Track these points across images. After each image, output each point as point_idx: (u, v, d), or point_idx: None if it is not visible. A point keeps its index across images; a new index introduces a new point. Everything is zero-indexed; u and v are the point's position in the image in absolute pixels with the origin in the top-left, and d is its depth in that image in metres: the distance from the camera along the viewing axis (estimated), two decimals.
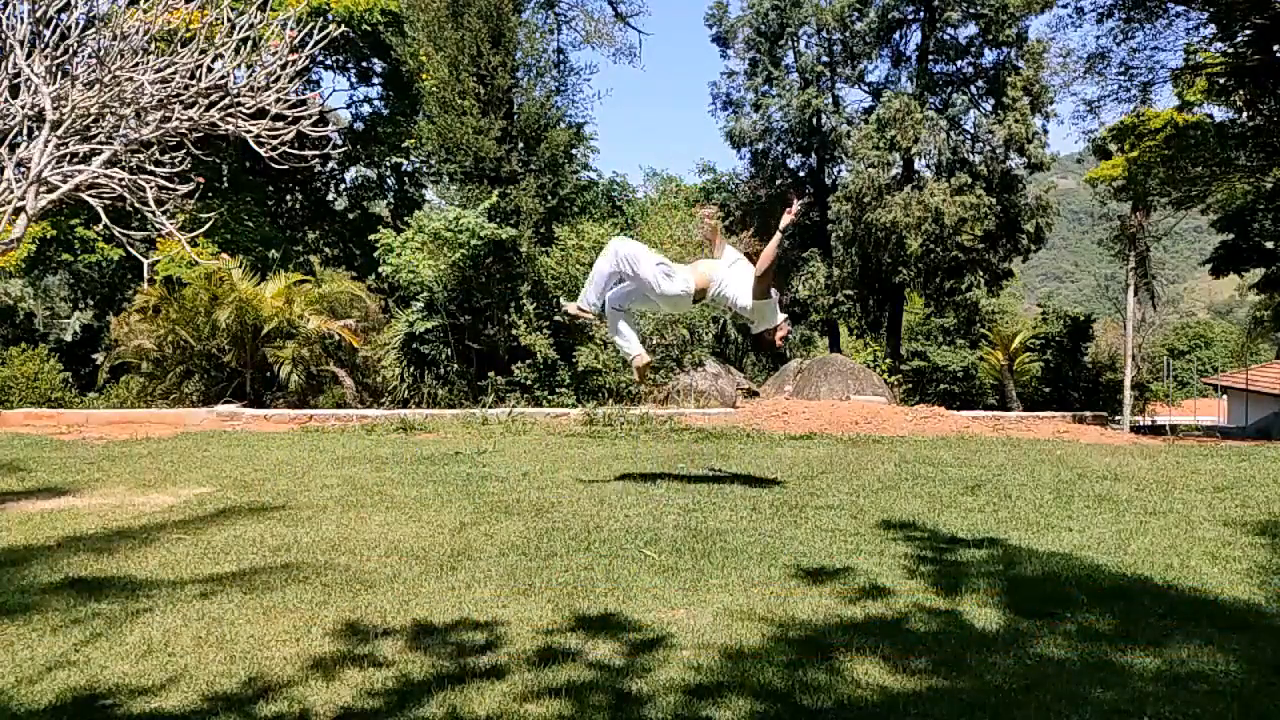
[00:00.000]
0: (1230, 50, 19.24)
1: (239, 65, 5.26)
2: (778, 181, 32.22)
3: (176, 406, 15.19)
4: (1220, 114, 24.22)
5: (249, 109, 5.12)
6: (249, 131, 5.08)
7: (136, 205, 4.94)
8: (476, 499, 6.27)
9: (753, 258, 6.07)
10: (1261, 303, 30.04)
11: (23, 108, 4.80)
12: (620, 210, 24.56)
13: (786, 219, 5.85)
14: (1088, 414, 16.41)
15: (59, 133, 4.71)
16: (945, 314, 31.63)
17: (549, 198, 17.42)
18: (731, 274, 6.05)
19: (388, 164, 27.31)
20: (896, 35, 30.01)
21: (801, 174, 32.76)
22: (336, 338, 16.71)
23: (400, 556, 4.62)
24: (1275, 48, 17.91)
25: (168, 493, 6.66)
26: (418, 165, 26.23)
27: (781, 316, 6.14)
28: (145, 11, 5.13)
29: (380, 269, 16.86)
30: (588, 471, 7.57)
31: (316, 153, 5.84)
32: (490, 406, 13.65)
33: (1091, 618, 3.59)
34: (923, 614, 3.66)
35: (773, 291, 6.08)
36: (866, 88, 31.31)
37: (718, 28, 32.26)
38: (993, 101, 28.42)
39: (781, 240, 5.87)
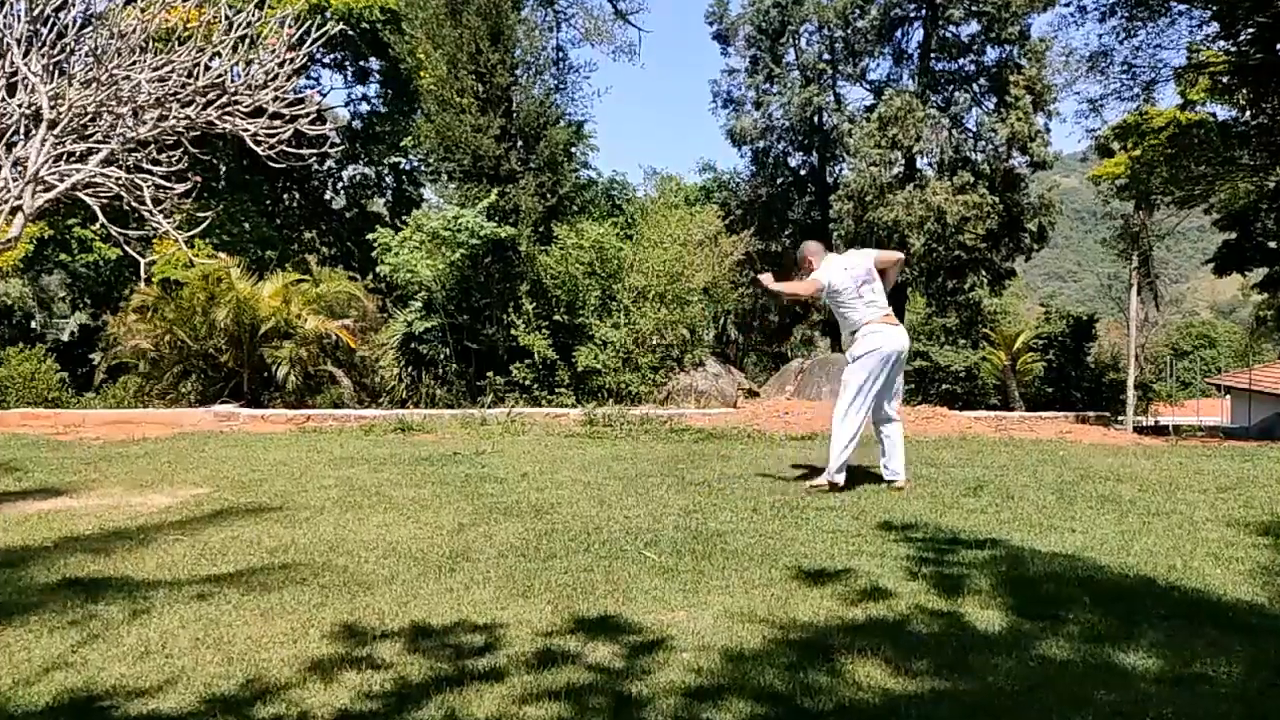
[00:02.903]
0: (1233, 49, 19.21)
1: (236, 63, 5.23)
2: (779, 180, 32.17)
3: (173, 406, 15.18)
4: (1223, 113, 24.20)
5: (246, 107, 5.10)
6: (246, 130, 5.05)
7: (133, 204, 4.92)
8: (475, 500, 6.25)
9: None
10: (1265, 302, 29.99)
11: (19, 106, 4.77)
12: (620, 209, 24.54)
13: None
14: (1090, 414, 16.38)
15: (56, 132, 4.68)
16: (947, 314, 31.56)
17: (548, 196, 17.38)
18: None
19: (386, 163, 27.31)
20: (898, 33, 29.97)
21: (803, 172, 32.73)
22: (334, 338, 16.70)
23: (398, 558, 4.60)
24: (1278, 46, 17.88)
25: (165, 493, 6.64)
26: (416, 164, 26.22)
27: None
28: (143, 10, 5.11)
29: (378, 268, 16.80)
30: (587, 472, 7.54)
31: (314, 151, 5.82)
32: (489, 407, 13.62)
33: (1094, 619, 3.57)
34: (924, 615, 3.64)
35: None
36: (868, 85, 31.26)
37: (718, 25, 32.23)
38: (995, 100, 28.38)
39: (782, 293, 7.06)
